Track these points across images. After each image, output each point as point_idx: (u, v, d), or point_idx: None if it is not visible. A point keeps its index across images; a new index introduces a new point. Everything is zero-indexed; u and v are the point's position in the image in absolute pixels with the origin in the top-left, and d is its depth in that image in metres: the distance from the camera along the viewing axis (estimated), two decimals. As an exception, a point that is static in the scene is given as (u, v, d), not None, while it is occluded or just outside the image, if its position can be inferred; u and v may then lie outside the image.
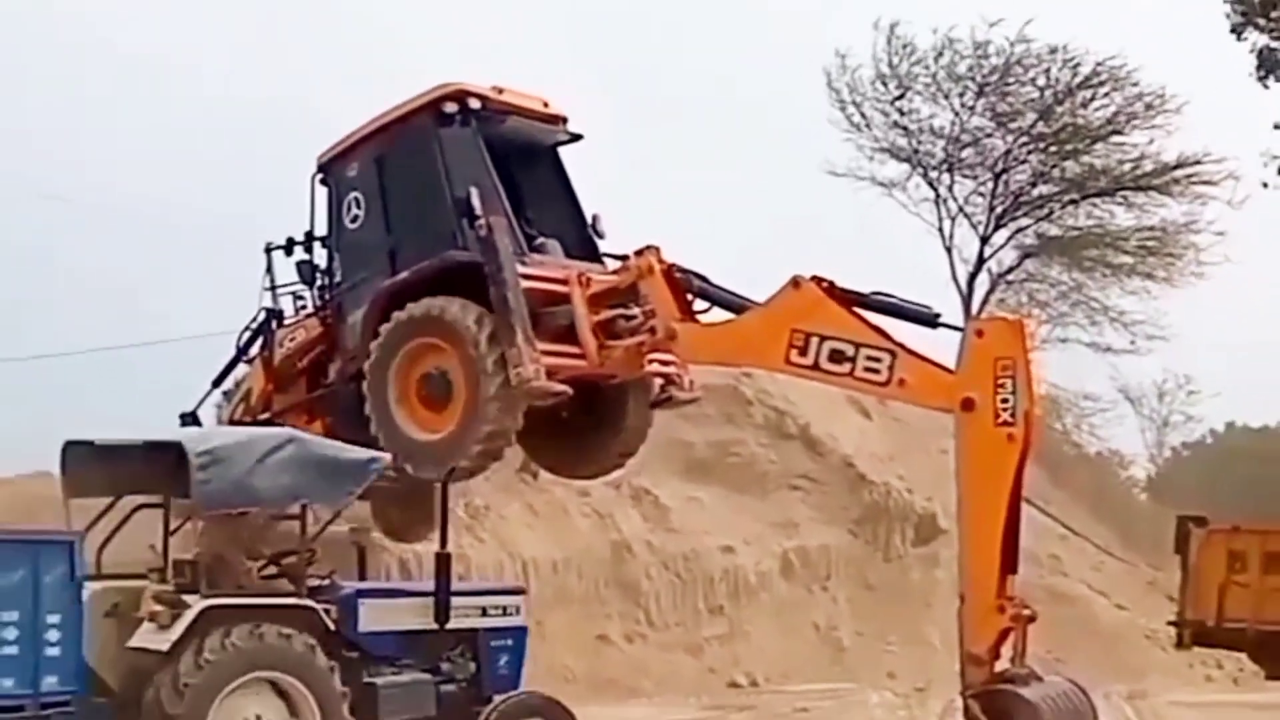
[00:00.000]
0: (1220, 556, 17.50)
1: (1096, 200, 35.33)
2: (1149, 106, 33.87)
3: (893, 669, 19.96)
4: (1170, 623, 18.54)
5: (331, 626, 11.11)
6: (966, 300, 35.27)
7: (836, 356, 12.99)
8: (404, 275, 15.42)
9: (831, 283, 13.27)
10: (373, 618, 11.55)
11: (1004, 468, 12.24)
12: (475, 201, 14.75)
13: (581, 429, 16.19)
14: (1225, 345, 47.08)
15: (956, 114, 34.94)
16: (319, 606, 11.07)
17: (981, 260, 36.03)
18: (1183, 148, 34.01)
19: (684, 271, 14.45)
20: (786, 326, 13.20)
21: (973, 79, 34.55)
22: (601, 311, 14.68)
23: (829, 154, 36.03)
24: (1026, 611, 12.35)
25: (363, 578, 12.35)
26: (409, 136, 15.65)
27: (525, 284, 14.56)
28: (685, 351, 14.79)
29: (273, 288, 17.39)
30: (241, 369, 18.13)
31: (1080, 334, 36.39)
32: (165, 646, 10.09)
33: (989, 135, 35.25)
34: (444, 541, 12.08)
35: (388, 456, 12.47)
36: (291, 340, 17.26)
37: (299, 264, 16.77)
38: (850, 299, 13.26)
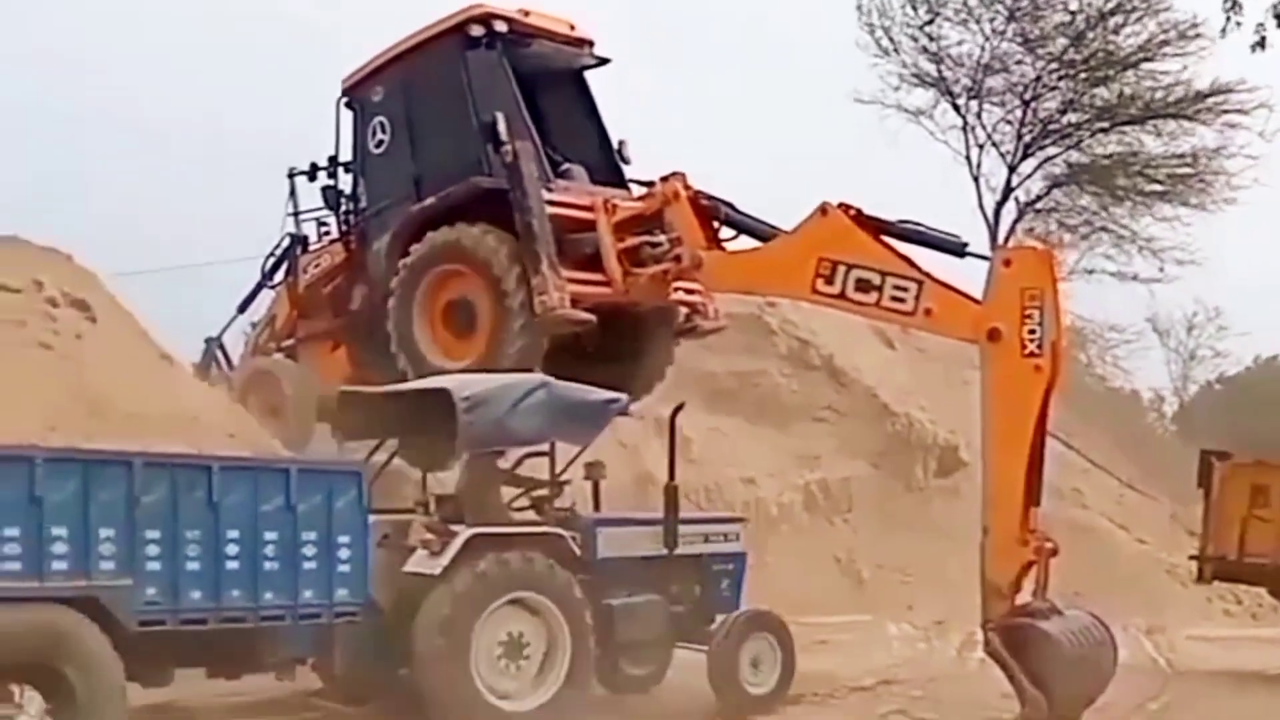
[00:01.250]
0: (1243, 491, 17.40)
1: (1126, 128, 34.91)
2: (1182, 34, 33.44)
3: (912, 602, 19.98)
4: (1191, 557, 18.48)
5: (577, 552, 11.99)
6: (993, 230, 35.02)
7: (863, 285, 12.92)
8: (429, 201, 15.37)
9: (859, 210, 13.17)
10: (610, 544, 12.44)
11: (1029, 399, 12.20)
12: (501, 127, 14.69)
13: (605, 358, 16.14)
14: (1257, 279, 46.74)
15: (987, 39, 34.59)
16: (568, 534, 12.00)
17: (1009, 189, 35.74)
18: (1216, 75, 33.65)
19: (710, 198, 14.36)
20: (813, 254, 13.13)
21: (1003, 3, 34.18)
22: (627, 239, 14.63)
23: (856, 82, 35.70)
24: (1049, 544, 12.35)
25: (597, 509, 13.03)
26: (434, 60, 15.56)
27: (550, 210, 14.52)
28: (710, 279, 14.73)
29: (296, 214, 17.43)
30: (266, 295, 18.15)
31: (1107, 264, 36.11)
32: (437, 570, 11.13)
33: (1019, 62, 34.85)
34: (672, 474, 13.03)
35: (625, 397, 13.19)
36: (316, 266, 17.27)
37: (324, 189, 16.76)
38: (878, 227, 13.17)
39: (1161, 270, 35.65)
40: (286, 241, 17.51)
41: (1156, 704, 14.12)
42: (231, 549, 9.65)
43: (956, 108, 35.42)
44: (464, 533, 11.38)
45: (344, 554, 10.28)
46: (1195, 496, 18.72)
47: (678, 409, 13.53)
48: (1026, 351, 12.17)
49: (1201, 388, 47.80)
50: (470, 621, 11.11)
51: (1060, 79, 34.66)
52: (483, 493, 12.26)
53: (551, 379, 12.69)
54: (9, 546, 8.63)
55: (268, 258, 17.71)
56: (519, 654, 11.43)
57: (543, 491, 12.62)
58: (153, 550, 9.25)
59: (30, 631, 8.62)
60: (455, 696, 11.01)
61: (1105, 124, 34.84)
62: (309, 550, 10.09)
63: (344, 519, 10.30)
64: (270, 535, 9.88)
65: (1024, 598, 12.46)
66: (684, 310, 15.97)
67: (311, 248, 17.43)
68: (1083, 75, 34.43)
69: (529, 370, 14.83)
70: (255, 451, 11.35)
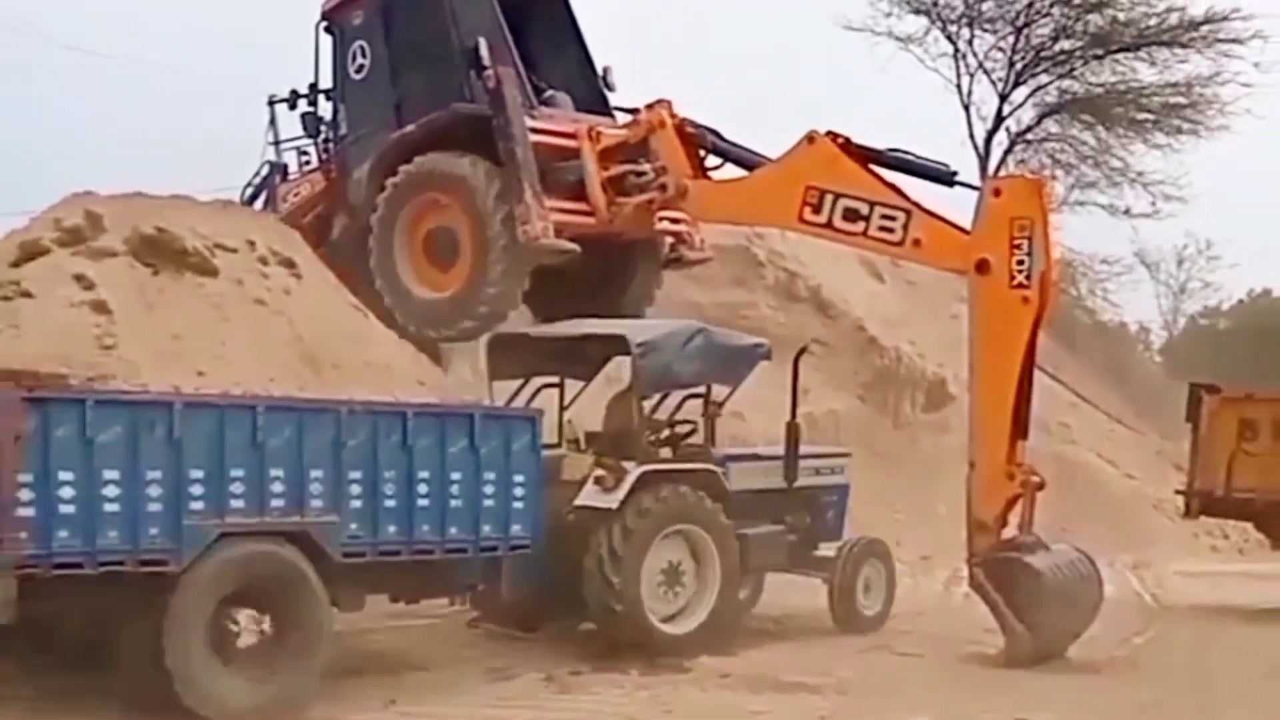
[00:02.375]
0: (1231, 425, 17.32)
1: (1119, 56, 34.65)
2: (1176, -42, 33.12)
3: (899, 537, 19.89)
4: (1178, 492, 18.42)
5: (728, 487, 12.77)
6: (983, 160, 34.77)
7: (850, 215, 12.80)
8: (410, 128, 15.13)
9: (847, 139, 13.03)
10: (740, 478, 13.13)
11: (1017, 331, 12.11)
12: (484, 52, 14.46)
13: (589, 289, 15.96)
14: (1248, 211, 46.62)
15: (979, -36, 34.24)
16: (719, 470, 12.78)
17: (1000, 118, 35.47)
18: (1211, 3, 33.38)
19: (696, 126, 14.20)
20: (800, 183, 12.99)
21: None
22: (611, 167, 14.45)
23: (845, 7, 35.32)
24: (1035, 479, 12.31)
25: (712, 446, 13.50)
26: (416, -18, 15.28)
27: (534, 138, 14.31)
28: (696, 209, 14.59)
29: (276, 142, 17.20)
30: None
31: (1099, 196, 35.96)
32: (615, 504, 11.89)
33: (1011, -14, 34.52)
34: (794, 412, 13.92)
35: (767, 342, 13.92)
36: (295, 195, 17.03)
37: (303, 116, 16.54)
38: (866, 156, 13.03)
39: (1154, 205, 35.49)
40: (266, 170, 17.25)
41: (1142, 639, 14.11)
42: (422, 488, 10.56)
43: (948, 35, 35.11)
44: (635, 469, 12.14)
45: (519, 491, 11.22)
46: (1183, 431, 18.66)
47: (801, 351, 14.41)
48: (1015, 283, 12.06)
49: (1189, 320, 47.81)
50: (641, 551, 11.97)
51: (1053, 5, 34.33)
52: (625, 431, 12.82)
53: (707, 325, 13.64)
54: (235, 486, 9.51)
55: (246, 186, 17.48)
56: (677, 580, 12.28)
57: (685, 428, 13.36)
58: (355, 489, 10.14)
59: (254, 562, 9.62)
60: (627, 620, 11.89)
61: (1098, 51, 34.55)
62: (489, 489, 11.01)
63: (520, 459, 11.24)
64: (455, 475, 10.78)
65: (1010, 532, 12.41)
66: (669, 240, 15.79)
67: (291, 176, 17.19)
68: (1076, 1, 34.10)
69: (512, 298, 14.73)
70: (440, 397, 12.09)
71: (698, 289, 19.94)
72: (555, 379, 13.38)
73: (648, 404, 13.15)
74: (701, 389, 13.41)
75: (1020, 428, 12.22)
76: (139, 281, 10.73)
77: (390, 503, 10.39)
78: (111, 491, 9.01)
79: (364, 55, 15.82)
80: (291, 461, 9.81)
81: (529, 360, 13.23)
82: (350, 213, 16.15)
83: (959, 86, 35.31)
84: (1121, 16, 34.14)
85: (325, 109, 16.43)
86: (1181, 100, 34.72)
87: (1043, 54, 34.84)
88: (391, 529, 10.42)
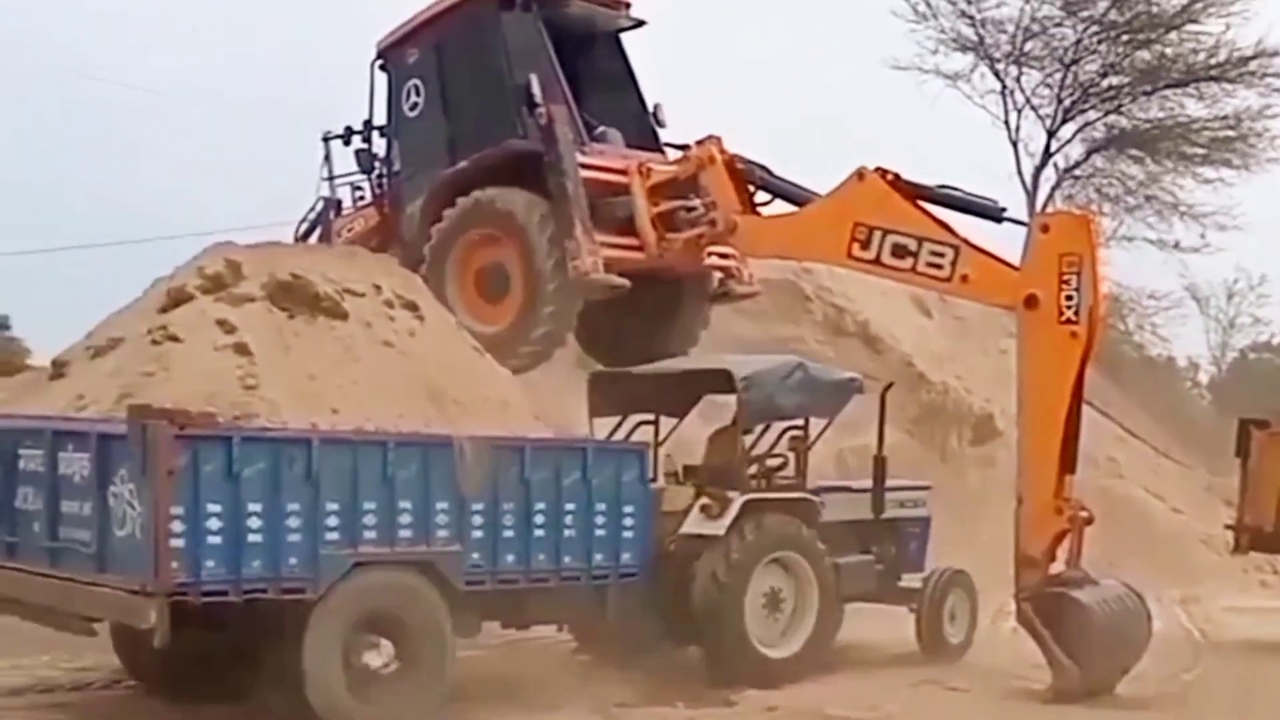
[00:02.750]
0: (1281, 460, 17.24)
1: (1168, 91, 34.56)
2: (1224, -8, 33.02)
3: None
4: (1227, 527, 18.33)
5: (823, 517, 13.39)
6: (1031, 196, 34.74)
7: (899, 251, 12.87)
8: (463, 164, 15.26)
9: (896, 175, 13.10)
10: (832, 509, 13.66)
11: (1066, 366, 12.15)
12: (536, 89, 14.55)
13: (639, 323, 16.08)
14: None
15: (1026, 2, 34.26)
16: (817, 500, 13.42)
17: (1048, 154, 35.45)
18: (1260, 37, 33.26)
19: (746, 162, 14.27)
20: (849, 219, 13.07)
21: (1042, -34, 33.83)
22: (661, 203, 14.54)
23: (892, 47, 35.50)
24: (1084, 513, 12.31)
25: (801, 477, 13.95)
26: (470, 21, 15.42)
27: (585, 174, 14.39)
28: (745, 244, 14.67)
29: (330, 177, 17.32)
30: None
31: (1147, 231, 35.85)
32: (721, 531, 12.51)
33: (1059, 24, 34.51)
34: (881, 445, 14.51)
35: (860, 376, 14.66)
36: (349, 230, 17.18)
37: (357, 153, 16.66)
38: (915, 192, 13.10)
39: (1203, 238, 35.34)
40: (320, 205, 17.45)
41: (1190, 675, 14.04)
42: (539, 519, 11.19)
43: (996, 72, 35.17)
44: (739, 498, 12.75)
45: (628, 521, 11.86)
46: (1232, 466, 18.55)
47: (887, 387, 15.03)
48: (1064, 318, 12.11)
49: (1239, 355, 47.42)
50: (745, 577, 12.56)
51: (1101, 42, 34.32)
52: (723, 463, 13.42)
53: (805, 359, 14.41)
54: (368, 518, 10.17)
55: (301, 222, 17.65)
56: (777, 607, 12.86)
57: (776, 461, 13.88)
58: (476, 520, 10.78)
59: (385, 590, 10.30)
60: (731, 645, 12.49)
61: (1147, 87, 34.48)
62: (600, 519, 11.65)
63: (630, 491, 11.91)
64: (569, 506, 11.42)
65: (1058, 567, 12.42)
66: (718, 275, 15.86)
67: (345, 212, 17.37)
68: (1124, 38, 34.08)
69: (561, 334, 14.85)
70: (555, 432, 12.63)
71: (746, 323, 20.03)
72: (650, 416, 14.04)
73: (746, 438, 13.70)
74: (799, 421, 13.92)
75: (1068, 463, 12.24)
76: (276, 325, 11.32)
77: (509, 533, 10.99)
78: (255, 523, 9.66)
79: (418, 93, 16.00)
80: (418, 494, 10.43)
81: (628, 397, 13.94)
82: (403, 247, 16.29)
83: (1007, 122, 35.35)
84: (1170, 52, 34.10)
85: (379, 145, 16.57)
86: (1231, 134, 34.60)
87: (1091, 90, 34.81)
88: (510, 558, 11.03)
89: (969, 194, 13.34)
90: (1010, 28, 34.59)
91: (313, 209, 17.49)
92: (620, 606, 11.98)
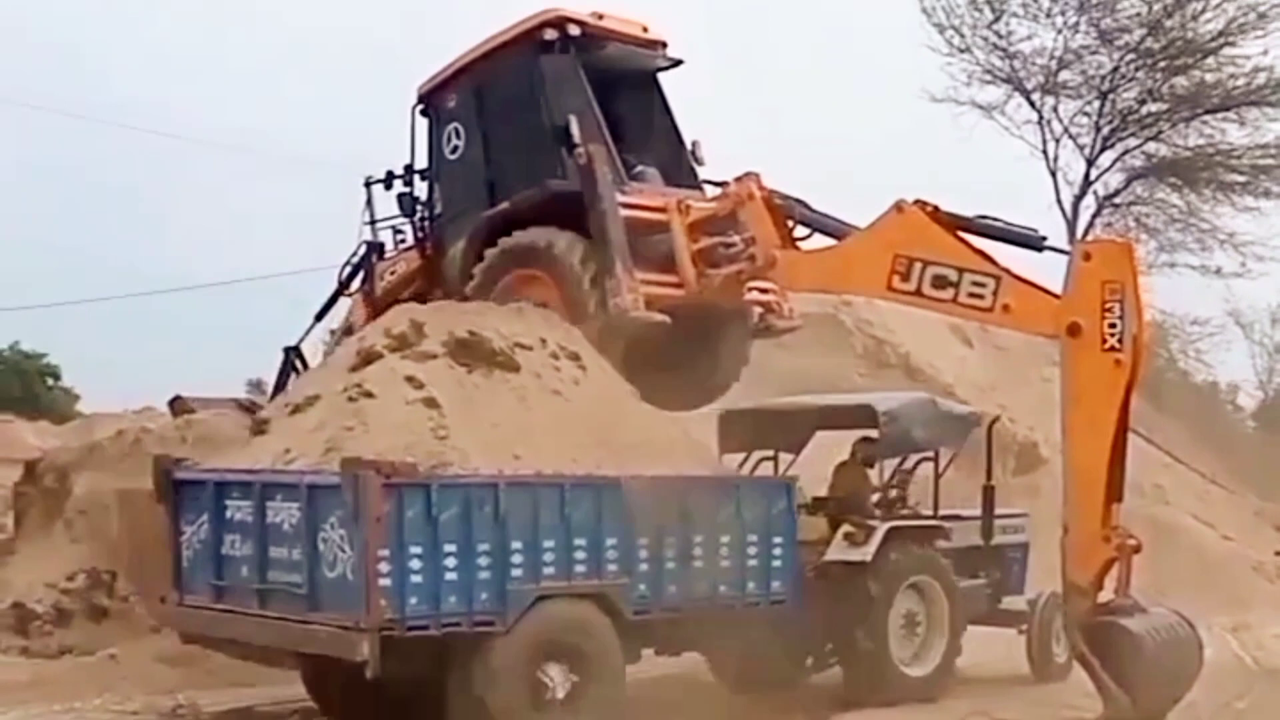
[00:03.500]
0: (1331, 486, 17.17)
1: (1208, 117, 34.42)
2: (1261, 15, 32.89)
3: (994, 599, 19.88)
4: (1277, 553, 18.24)
5: (950, 543, 14.41)
6: (1071, 225, 34.68)
7: (940, 282, 12.89)
8: (503, 206, 15.39)
9: (935, 207, 13.13)
10: (951, 536, 14.57)
11: (1110, 394, 12.10)
12: (574, 130, 14.66)
13: (679, 359, 16.14)
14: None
15: (1059, 32, 34.25)
16: (948, 527, 14.41)
17: (1087, 182, 35.39)
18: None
19: (784, 198, 14.32)
20: (889, 252, 13.10)
21: (1071, -3, 33.82)
22: (700, 240, 14.59)
23: (926, 80, 35.53)
24: (1131, 541, 12.23)
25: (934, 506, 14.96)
26: (508, 65, 15.58)
27: (624, 213, 14.48)
28: (785, 279, 14.72)
29: (373, 221, 17.46)
30: (344, 303, 18.28)
31: (1189, 258, 35.69)
32: (867, 557, 13.35)
33: (1094, 53, 34.47)
34: (990, 475, 15.47)
35: (978, 410, 15.93)
36: (392, 274, 17.33)
37: (399, 196, 16.80)
38: (954, 223, 13.12)
39: (1244, 265, 35.14)
40: (363, 249, 17.60)
41: (1243, 703, 13.96)
42: (697, 550, 12.02)
43: (1031, 102, 35.14)
44: (882, 526, 13.70)
45: (778, 551, 12.66)
46: (1281, 491, 18.46)
47: (994, 420, 15.99)
48: (1107, 346, 12.07)
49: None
50: (888, 600, 13.48)
51: (1138, 69, 34.23)
52: (852, 493, 14.32)
53: (936, 396, 15.57)
54: (547, 554, 11.07)
55: (344, 265, 17.79)
56: (913, 629, 13.77)
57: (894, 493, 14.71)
58: (643, 554, 11.67)
59: (563, 621, 11.16)
60: (877, 665, 13.39)
61: (1186, 113, 34.35)
62: (752, 549, 12.47)
63: (779, 522, 12.72)
64: (724, 538, 12.25)
65: (1106, 595, 12.37)
66: (758, 310, 15.92)
67: (388, 255, 17.52)
68: (1161, 64, 33.97)
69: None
70: (710, 470, 13.31)
71: (787, 357, 20.09)
72: (771, 451, 14.92)
73: (869, 470, 14.66)
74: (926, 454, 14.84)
75: (1115, 491, 12.19)
76: (458, 379, 12.07)
77: (670, 565, 11.81)
78: (450, 562, 10.61)
79: (458, 136, 16.16)
80: (591, 531, 11.32)
81: (757, 433, 14.79)
82: (446, 289, 16.44)
83: (1045, 152, 35.32)
84: (1208, 78, 33.98)
85: (421, 189, 16.72)
86: (1271, 162, 34.42)
87: (1129, 117, 34.72)
88: (672, 589, 11.83)
89: (1009, 224, 13.35)
90: (1043, 59, 34.59)
91: (355, 253, 17.65)
92: (768, 632, 12.77)
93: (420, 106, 16.48)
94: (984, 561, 15.27)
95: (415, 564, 10.43)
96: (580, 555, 11.29)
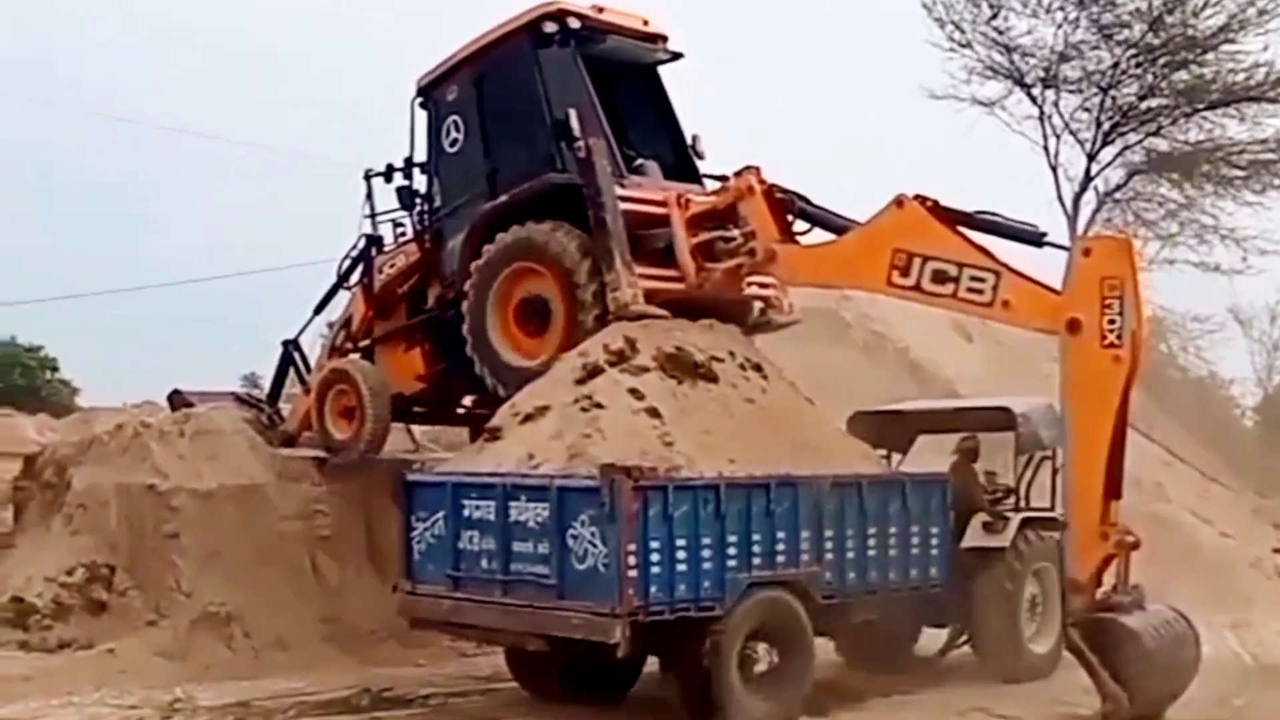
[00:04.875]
0: (1331, 482, 17.16)
1: (1208, 113, 34.32)
2: (1262, 11, 32.78)
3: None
4: (1276, 550, 18.24)
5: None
6: (1072, 220, 34.52)
7: (939, 277, 12.90)
8: (502, 199, 15.39)
9: (935, 202, 13.13)
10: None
11: (1110, 390, 12.11)
12: (574, 123, 14.63)
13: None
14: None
15: (1059, 27, 34.13)
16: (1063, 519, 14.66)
17: (1088, 178, 35.23)
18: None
19: (784, 192, 14.34)
20: (888, 246, 13.11)
21: (1070, -7, 33.72)
22: (700, 233, 14.59)
23: (925, 77, 35.44)
24: (1130, 538, 12.25)
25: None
26: (508, 58, 15.57)
27: (623, 206, 14.46)
28: (785, 273, 14.71)
29: (372, 215, 17.43)
30: (343, 297, 18.27)
31: (1189, 254, 35.53)
32: (1005, 544, 14.65)
33: (1094, 49, 34.33)
34: None
35: None
36: (391, 266, 17.33)
37: (399, 189, 16.77)
38: (954, 218, 13.12)
39: (1245, 260, 35.05)
40: (362, 242, 17.59)
41: (1241, 700, 13.96)
42: (872, 541, 13.38)
43: (1032, 98, 35.03)
44: (1016, 516, 15.00)
45: (934, 540, 14.00)
46: (1280, 488, 18.44)
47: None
48: (1106, 342, 12.08)
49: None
50: (1022, 584, 14.75)
51: (1139, 65, 34.07)
52: (966, 485, 15.05)
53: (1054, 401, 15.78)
54: (756, 546, 12.37)
55: (344, 259, 17.78)
56: (1035, 611, 14.93)
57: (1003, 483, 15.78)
58: (829, 545, 13.01)
59: (768, 605, 12.46)
60: (1011, 643, 14.60)
61: (1186, 109, 34.25)
62: (915, 539, 13.81)
63: (935, 514, 14.07)
64: (893, 530, 13.60)
65: (1105, 591, 12.36)
66: (758, 304, 15.91)
67: (387, 248, 17.51)
68: (1162, 60, 33.82)
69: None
70: (877, 469, 14.50)
71: (787, 352, 20.05)
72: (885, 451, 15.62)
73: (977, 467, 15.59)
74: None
75: (1113, 487, 12.19)
76: (670, 390, 13.19)
77: (850, 554, 13.17)
78: (681, 555, 11.91)
79: (458, 129, 16.14)
80: (789, 525, 12.65)
81: (881, 433, 15.43)
82: (444, 282, 16.44)
83: (1046, 148, 35.20)
84: (1208, 73, 33.86)
85: (420, 182, 16.69)
86: (1271, 156, 34.30)
87: (1130, 113, 34.58)
88: (851, 576, 13.21)
89: (1009, 219, 13.34)
90: (1044, 54, 34.50)
91: (354, 246, 17.64)
92: (922, 615, 14.45)
93: (419, 99, 16.47)
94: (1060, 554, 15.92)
95: (655, 557, 11.74)
96: (781, 547, 12.58)
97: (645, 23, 15.90)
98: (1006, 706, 13.15)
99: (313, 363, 18.57)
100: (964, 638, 15.05)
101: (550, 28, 15.11)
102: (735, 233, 14.42)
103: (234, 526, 16.51)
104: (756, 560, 12.41)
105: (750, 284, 15.24)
